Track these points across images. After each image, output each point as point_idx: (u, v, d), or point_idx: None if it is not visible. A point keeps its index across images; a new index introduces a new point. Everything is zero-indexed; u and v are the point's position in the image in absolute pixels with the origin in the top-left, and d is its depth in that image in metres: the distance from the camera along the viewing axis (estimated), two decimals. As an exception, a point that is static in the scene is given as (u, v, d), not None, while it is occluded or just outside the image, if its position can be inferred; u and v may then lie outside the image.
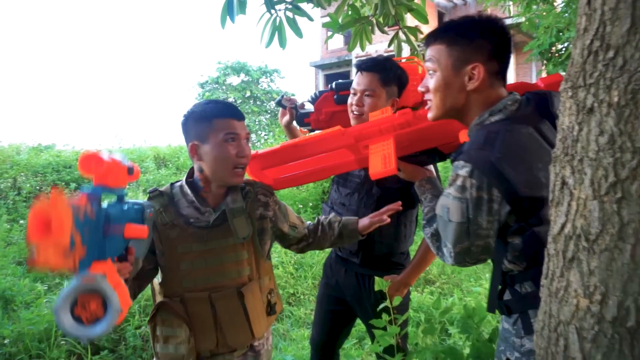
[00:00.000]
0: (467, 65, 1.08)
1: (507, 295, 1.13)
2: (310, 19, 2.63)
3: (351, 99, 1.72)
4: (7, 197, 6.42)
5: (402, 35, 2.65)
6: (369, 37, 2.79)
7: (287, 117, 2.01)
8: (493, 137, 1.02)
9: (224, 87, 32.03)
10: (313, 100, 1.94)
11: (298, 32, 2.63)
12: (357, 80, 1.72)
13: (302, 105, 2.00)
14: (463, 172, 1.03)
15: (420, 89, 1.18)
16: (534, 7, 6.63)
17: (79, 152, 8.65)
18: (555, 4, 7.23)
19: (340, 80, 1.91)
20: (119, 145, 10.58)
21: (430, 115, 1.18)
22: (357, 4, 2.77)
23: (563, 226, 0.78)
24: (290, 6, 2.50)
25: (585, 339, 0.73)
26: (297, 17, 2.52)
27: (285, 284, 3.76)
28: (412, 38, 2.62)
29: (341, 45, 30.64)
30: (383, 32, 2.67)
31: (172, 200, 1.33)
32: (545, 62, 12.67)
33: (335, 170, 1.61)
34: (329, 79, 30.48)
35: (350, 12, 2.77)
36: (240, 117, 1.33)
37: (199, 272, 1.29)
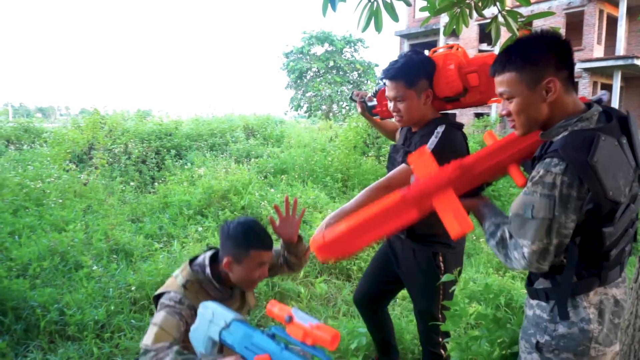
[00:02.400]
0: (541, 82, 1.17)
1: (543, 284, 1.25)
2: (408, 4, 2.67)
3: (389, 105, 1.90)
4: (120, 161, 7.23)
5: (500, 19, 2.60)
6: (467, 20, 2.77)
7: (359, 109, 2.23)
8: (589, 142, 1.09)
9: (307, 57, 32.35)
10: (375, 94, 2.15)
11: (394, 17, 2.68)
12: (387, 90, 1.88)
13: (370, 99, 2.19)
14: (556, 169, 1.10)
15: (502, 112, 1.28)
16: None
17: (178, 121, 9.40)
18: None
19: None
20: (212, 114, 11.29)
21: (518, 133, 1.29)
22: (455, -14, 2.74)
23: (656, 236, 0.84)
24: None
25: (668, 340, 0.81)
26: (394, 2, 2.57)
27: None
28: (512, 22, 2.57)
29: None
30: (481, 15, 2.64)
31: (201, 286, 1.62)
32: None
33: (398, 228, 1.50)
34: (414, 48, 29.47)
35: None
36: (271, 247, 1.65)
37: None
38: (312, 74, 32.40)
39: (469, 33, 22.99)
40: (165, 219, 4.76)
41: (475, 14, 2.62)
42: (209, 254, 1.70)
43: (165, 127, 8.62)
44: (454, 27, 2.77)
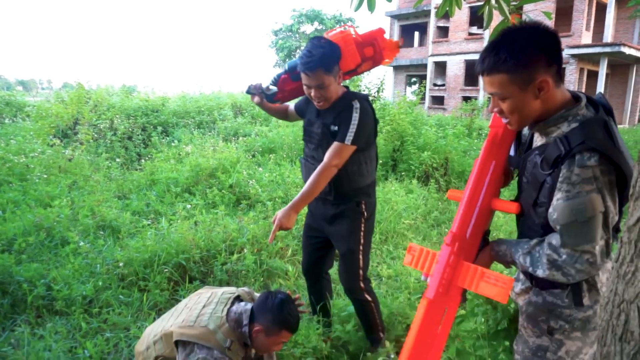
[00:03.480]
0: (533, 81, 1.16)
1: None
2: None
3: (308, 91, 2.08)
4: (106, 137, 7.12)
5: (493, 2, 2.60)
6: (460, 3, 2.76)
7: (257, 99, 2.38)
8: (606, 130, 1.12)
9: (297, 36, 31.95)
10: (275, 82, 2.34)
11: (388, -3, 2.68)
12: (306, 80, 2.03)
13: (268, 88, 2.34)
14: (592, 162, 1.09)
15: (493, 109, 1.26)
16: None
17: (165, 97, 9.26)
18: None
19: (289, 62, 2.29)
20: (199, 91, 11.13)
21: (513, 128, 1.29)
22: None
23: (639, 219, 0.88)
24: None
25: (645, 317, 0.85)
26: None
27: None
28: (504, 5, 2.57)
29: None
30: (475, -3, 2.63)
31: (240, 346, 1.77)
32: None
33: (446, 327, 1.40)
34: (404, 29, 29.28)
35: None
36: (297, 330, 1.84)
37: None
38: (300, 52, 31.98)
39: (460, 16, 22.86)
40: (153, 196, 4.74)
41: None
42: (248, 311, 1.80)
43: (152, 104, 8.49)
44: (447, 9, 2.77)
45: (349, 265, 2.23)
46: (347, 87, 2.21)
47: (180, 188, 4.92)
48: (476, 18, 22.69)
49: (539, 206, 1.23)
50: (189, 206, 4.18)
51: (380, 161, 6.40)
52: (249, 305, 1.82)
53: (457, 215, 1.34)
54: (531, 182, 1.25)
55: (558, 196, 1.13)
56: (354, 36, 2.16)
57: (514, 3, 2.58)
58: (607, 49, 18.32)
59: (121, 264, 3.03)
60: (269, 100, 2.40)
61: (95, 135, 7.17)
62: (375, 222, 2.56)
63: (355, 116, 2.05)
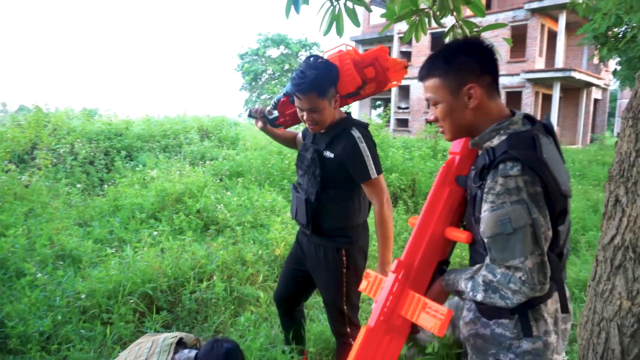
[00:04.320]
0: (463, 87, 1.18)
1: None
2: (369, 9, 2.71)
3: (300, 114, 1.96)
4: (65, 162, 6.86)
5: (457, 29, 2.69)
6: (425, 28, 2.85)
7: (260, 124, 2.28)
8: (532, 141, 1.11)
9: (263, 59, 32.17)
10: (275, 106, 2.24)
11: (356, 22, 2.72)
12: (298, 102, 1.92)
13: (270, 112, 2.27)
14: (514, 171, 1.06)
15: (430, 117, 1.29)
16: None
17: (129, 121, 9.05)
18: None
19: (288, 84, 2.11)
20: (164, 114, 10.95)
21: (446, 137, 1.29)
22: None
23: (613, 237, 0.90)
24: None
25: (625, 334, 0.86)
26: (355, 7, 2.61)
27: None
28: (468, 32, 2.66)
29: (383, 20, 29.98)
30: (439, 24, 2.72)
31: None
32: (599, 45, 12.14)
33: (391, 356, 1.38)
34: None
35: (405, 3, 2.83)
36: None
37: None
38: (267, 76, 32.24)
39: (422, 42, 23.67)
40: (116, 223, 4.56)
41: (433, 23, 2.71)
42: (193, 355, 1.69)
43: (115, 127, 8.27)
44: (413, 34, 2.85)
45: (334, 315, 2.09)
46: (348, 113, 2.09)
47: (145, 214, 4.76)
48: (438, 44, 23.55)
49: (477, 222, 1.19)
50: (155, 233, 4.04)
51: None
52: (193, 353, 1.71)
53: (407, 243, 1.31)
54: (469, 199, 1.24)
55: (484, 208, 1.11)
56: (353, 55, 2.03)
57: (476, 30, 2.69)
58: (559, 74, 19.36)
59: (83, 296, 2.87)
60: (271, 124, 2.28)
61: (55, 160, 6.89)
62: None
63: (364, 147, 1.91)
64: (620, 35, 11.00)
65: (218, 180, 6.46)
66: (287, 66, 31.36)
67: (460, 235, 1.27)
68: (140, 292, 2.99)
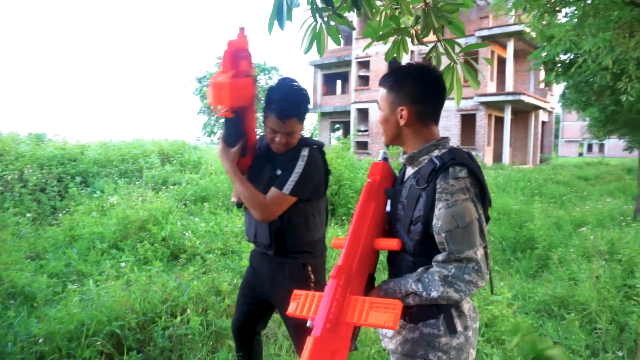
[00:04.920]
0: (398, 107, 1.37)
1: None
2: (352, 27, 2.65)
3: (272, 135, 1.88)
4: (14, 190, 6.35)
5: (441, 49, 2.67)
6: (406, 48, 2.82)
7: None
8: (469, 155, 1.31)
9: (221, 83, 31.86)
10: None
11: (337, 40, 2.65)
12: (275, 125, 1.84)
13: None
14: (462, 174, 1.24)
15: (380, 120, 1.45)
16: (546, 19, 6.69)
17: (83, 145, 8.59)
18: (559, 15, 7.34)
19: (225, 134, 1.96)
20: (122, 138, 10.50)
21: (384, 140, 1.47)
22: (396, 14, 2.79)
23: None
24: (332, 14, 2.52)
25: None
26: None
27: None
28: (450, 50, 2.65)
29: (341, 44, 30.56)
30: (422, 43, 2.69)
31: None
32: (546, 72, 12.83)
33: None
34: (327, 78, 30.48)
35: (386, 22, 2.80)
36: None
37: None
38: (226, 99, 31.88)
39: (379, 66, 24.31)
40: (74, 255, 4.19)
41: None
42: None
43: (69, 152, 7.80)
44: (395, 54, 2.81)
45: (304, 338, 1.92)
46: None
47: (107, 244, 4.42)
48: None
49: (413, 224, 1.31)
50: (123, 264, 3.73)
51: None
52: None
53: (342, 252, 1.32)
54: (407, 203, 1.34)
55: (439, 206, 1.24)
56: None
57: (458, 48, 2.69)
58: (510, 97, 20.32)
59: (40, 340, 2.54)
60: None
61: (1, 188, 6.37)
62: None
63: (300, 164, 1.88)
64: (567, 62, 11.67)
65: (183, 206, 6.16)
66: (246, 90, 31.19)
67: (390, 243, 1.34)
68: (107, 331, 2.70)
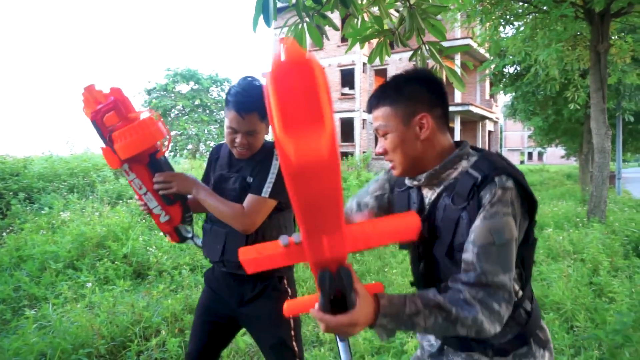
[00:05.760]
0: (414, 116, 1.10)
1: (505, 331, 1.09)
2: (336, 28, 2.57)
3: (232, 137, 1.67)
4: (-53, 208, 5.75)
5: (425, 51, 2.65)
6: (388, 50, 2.78)
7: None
8: (505, 160, 1.10)
9: (172, 95, 30.99)
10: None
11: (319, 42, 2.56)
12: (234, 123, 1.64)
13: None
14: (509, 184, 1.01)
15: (379, 150, 1.18)
16: (500, 29, 6.99)
17: (26, 159, 7.97)
18: (507, 29, 7.74)
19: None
20: (70, 152, 9.87)
21: (396, 173, 1.17)
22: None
23: None
24: (316, 14, 2.44)
25: None
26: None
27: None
28: (435, 52, 2.63)
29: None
30: (405, 45, 2.65)
31: None
32: (494, 83, 13.46)
33: None
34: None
35: (369, 24, 2.75)
36: None
37: None
38: (177, 112, 31.13)
39: (332, 77, 24.57)
40: (24, 277, 3.79)
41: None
42: None
43: (10, 166, 7.19)
44: (377, 57, 2.76)
45: (283, 358, 1.75)
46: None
47: (61, 263, 4.04)
48: (346, 80, 24.60)
49: (456, 251, 1.05)
50: (89, 284, 3.39)
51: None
52: None
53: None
54: (444, 227, 1.10)
55: (477, 220, 1.01)
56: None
57: (441, 50, 2.68)
58: (460, 108, 21.11)
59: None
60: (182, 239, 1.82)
61: None
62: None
63: (276, 164, 1.69)
64: (514, 74, 12.28)
65: (142, 220, 5.80)
66: (197, 101, 30.55)
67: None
68: (72, 360, 2.42)
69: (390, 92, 1.13)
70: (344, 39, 22.82)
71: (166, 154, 1.75)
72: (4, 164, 7.30)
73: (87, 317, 2.76)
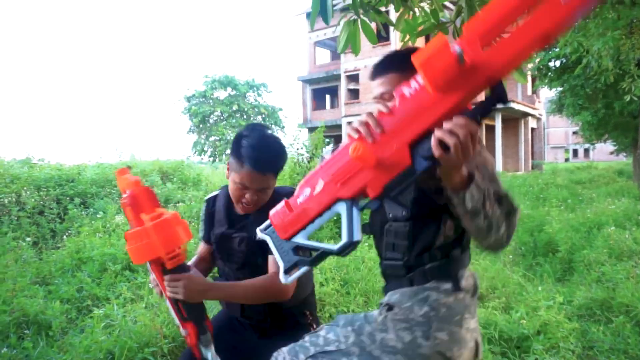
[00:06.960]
0: None
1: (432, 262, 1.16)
2: (392, 23, 2.53)
3: (241, 192, 1.55)
4: (11, 213, 6.07)
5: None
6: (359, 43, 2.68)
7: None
8: None
9: (210, 101, 31.77)
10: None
11: (373, 38, 2.52)
12: (247, 179, 1.51)
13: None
14: None
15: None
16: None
17: (80, 165, 8.34)
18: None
19: None
20: (119, 158, 10.25)
21: None
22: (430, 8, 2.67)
23: None
24: (372, 10, 2.40)
25: None
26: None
27: (335, 301, 3.59)
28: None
29: (329, 60, 30.78)
30: (463, 38, 2.57)
31: None
32: (539, 77, 12.96)
33: None
34: (316, 93, 30.52)
35: (424, 17, 2.69)
36: None
37: None
38: (215, 117, 31.86)
39: (367, 80, 24.41)
40: (86, 278, 3.93)
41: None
42: None
43: (67, 173, 7.54)
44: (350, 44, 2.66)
45: None
46: None
47: (119, 265, 4.17)
48: (383, 81, 24.41)
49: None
50: (150, 286, 3.47)
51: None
52: None
53: None
54: None
55: None
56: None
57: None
58: (500, 105, 20.52)
59: (69, 373, 2.31)
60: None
61: (-3, 213, 6.09)
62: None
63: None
64: (561, 65, 11.78)
65: (189, 223, 5.93)
66: (235, 107, 31.18)
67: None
68: (138, 359, 2.47)
69: (398, 60, 1.19)
70: (380, 39, 22.66)
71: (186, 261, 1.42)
72: (60, 171, 7.66)
73: (149, 317, 2.82)
